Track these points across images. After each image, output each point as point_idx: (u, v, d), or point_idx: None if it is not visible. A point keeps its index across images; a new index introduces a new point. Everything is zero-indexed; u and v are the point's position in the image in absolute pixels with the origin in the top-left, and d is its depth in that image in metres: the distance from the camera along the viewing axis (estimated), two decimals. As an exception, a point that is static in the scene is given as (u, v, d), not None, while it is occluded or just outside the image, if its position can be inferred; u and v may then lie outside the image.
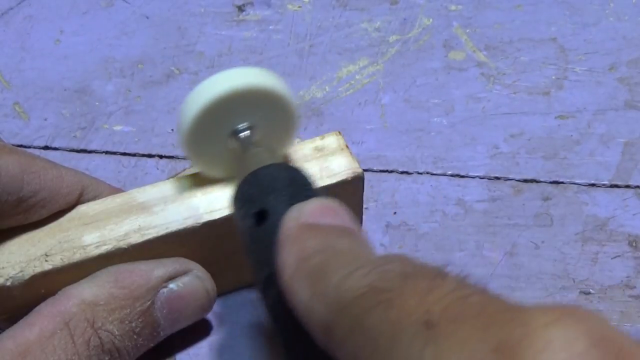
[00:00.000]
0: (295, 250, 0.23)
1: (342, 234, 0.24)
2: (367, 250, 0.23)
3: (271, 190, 0.27)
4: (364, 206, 0.36)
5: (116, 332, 0.29)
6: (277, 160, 0.29)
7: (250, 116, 0.30)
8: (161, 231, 0.31)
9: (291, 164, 0.29)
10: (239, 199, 0.28)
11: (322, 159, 0.33)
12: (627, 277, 0.36)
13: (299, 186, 0.27)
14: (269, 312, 0.26)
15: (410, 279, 0.19)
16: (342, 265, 0.21)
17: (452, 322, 0.17)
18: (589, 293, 0.36)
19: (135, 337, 0.29)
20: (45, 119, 0.44)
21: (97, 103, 0.45)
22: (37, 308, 0.29)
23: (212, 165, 0.32)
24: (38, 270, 0.29)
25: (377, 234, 0.38)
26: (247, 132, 0.30)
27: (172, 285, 0.31)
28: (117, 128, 0.44)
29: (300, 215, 0.24)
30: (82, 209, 0.32)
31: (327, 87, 0.45)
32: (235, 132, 0.30)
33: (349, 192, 0.33)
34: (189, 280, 0.31)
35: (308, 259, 0.22)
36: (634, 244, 0.37)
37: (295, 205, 0.25)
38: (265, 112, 0.30)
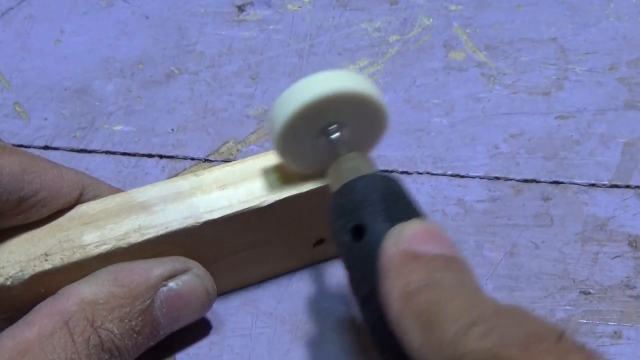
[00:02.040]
0: (400, 283, 0.23)
1: (447, 267, 0.23)
2: (473, 286, 0.23)
3: (368, 203, 0.27)
4: (364, 206, 0.36)
5: (116, 331, 0.29)
6: (370, 166, 0.29)
7: (342, 117, 0.30)
8: (161, 231, 0.31)
9: (386, 174, 0.29)
10: (335, 211, 0.28)
11: (323, 159, 0.33)
12: (627, 277, 0.36)
13: (396, 200, 0.27)
14: (370, 328, 0.26)
15: (532, 349, 0.19)
16: (455, 314, 0.21)
17: None
18: (589, 293, 0.36)
19: (135, 335, 0.29)
20: (45, 119, 0.44)
21: (97, 103, 0.45)
22: (37, 307, 0.29)
23: (302, 163, 0.32)
24: (38, 269, 0.29)
25: (377, 234, 0.38)
26: (337, 134, 0.30)
27: (171, 284, 0.31)
28: (117, 128, 0.44)
29: (402, 240, 0.24)
30: (82, 208, 0.32)
31: (327, 87, 0.45)
32: (327, 133, 0.30)
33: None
34: (189, 279, 0.31)
35: (414, 295, 0.22)
36: (634, 244, 0.37)
37: (395, 227, 0.25)
38: (357, 114, 0.30)
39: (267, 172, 0.33)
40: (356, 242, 0.26)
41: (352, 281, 0.27)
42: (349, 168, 0.29)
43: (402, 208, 0.27)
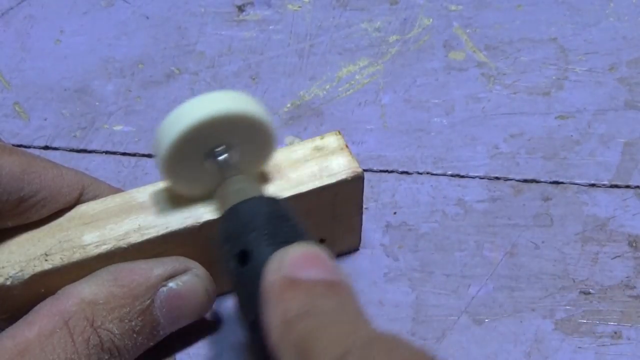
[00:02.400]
0: (279, 311, 0.23)
1: (326, 292, 0.23)
2: (353, 312, 0.23)
3: (252, 228, 0.26)
4: (364, 206, 0.36)
5: (116, 331, 0.29)
6: (256, 189, 0.29)
7: (228, 138, 0.30)
8: (161, 231, 0.31)
9: (271, 196, 0.29)
10: (221, 237, 0.28)
11: (322, 159, 0.33)
12: (627, 277, 0.36)
13: (280, 222, 0.27)
14: (257, 355, 0.26)
15: None
16: (329, 344, 0.21)
17: None
18: (589, 293, 0.36)
19: (134, 335, 0.29)
20: (45, 119, 0.44)
21: (97, 103, 0.45)
22: (37, 307, 0.29)
23: (189, 186, 0.31)
24: (38, 269, 0.29)
25: (377, 234, 0.38)
26: (224, 155, 0.30)
27: (171, 284, 0.31)
28: (117, 128, 0.44)
29: (282, 266, 0.24)
30: (82, 208, 0.32)
31: (327, 87, 0.45)
32: (213, 155, 0.30)
33: (348, 192, 0.33)
34: (189, 279, 0.31)
35: (292, 324, 0.22)
36: (634, 244, 0.37)
37: (277, 253, 0.25)
38: (244, 136, 0.30)
39: (266, 173, 0.33)
40: (242, 268, 0.26)
41: (240, 307, 0.27)
42: (234, 191, 0.29)
43: (287, 231, 0.27)
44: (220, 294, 0.34)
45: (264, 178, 0.33)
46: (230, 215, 0.28)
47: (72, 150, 0.43)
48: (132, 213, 0.31)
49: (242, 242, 0.26)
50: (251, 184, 0.29)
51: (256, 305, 0.24)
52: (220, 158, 0.30)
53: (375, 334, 0.22)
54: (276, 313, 0.23)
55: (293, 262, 0.24)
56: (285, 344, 0.22)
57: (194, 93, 0.45)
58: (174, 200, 0.32)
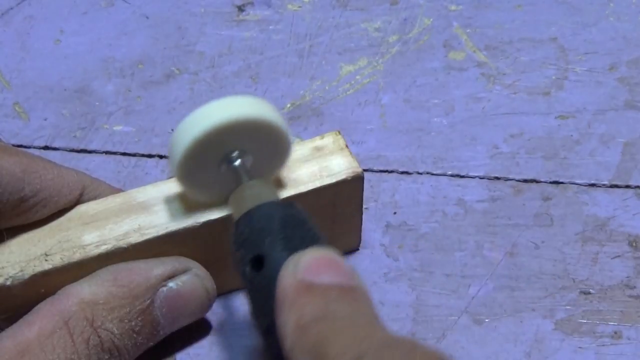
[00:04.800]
0: (294, 316, 0.23)
1: (341, 297, 0.23)
2: (367, 317, 0.23)
3: (267, 233, 0.26)
4: (364, 206, 0.36)
5: (116, 331, 0.29)
6: (271, 193, 0.29)
7: (243, 143, 0.30)
8: (161, 231, 0.31)
9: (286, 202, 0.28)
10: (235, 242, 0.27)
11: (322, 159, 0.33)
12: (627, 277, 0.36)
13: (295, 227, 0.27)
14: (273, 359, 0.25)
15: None
16: (343, 349, 0.21)
17: None
18: (589, 293, 0.36)
19: (134, 335, 0.29)
20: (45, 119, 0.44)
21: (97, 103, 0.45)
22: (37, 307, 0.29)
23: (204, 192, 0.31)
24: (38, 269, 0.29)
25: (377, 234, 0.38)
26: (239, 161, 0.30)
27: (171, 284, 0.31)
28: (117, 128, 0.44)
29: (297, 271, 0.24)
30: (82, 208, 0.32)
31: (327, 87, 0.45)
32: (229, 160, 0.30)
33: (348, 192, 0.33)
34: (189, 278, 0.31)
35: (306, 328, 0.22)
36: (634, 244, 0.37)
37: (291, 258, 0.24)
38: (260, 141, 0.30)
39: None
40: (256, 273, 0.26)
41: (254, 313, 0.26)
42: (249, 196, 0.28)
43: (302, 236, 0.26)
44: (220, 294, 0.34)
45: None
46: (244, 220, 0.27)
47: (72, 150, 0.43)
48: (132, 213, 0.31)
49: (256, 247, 0.26)
50: (266, 189, 0.29)
51: (270, 311, 0.24)
52: (236, 163, 0.30)
53: (391, 338, 0.21)
54: (291, 318, 0.23)
55: (308, 267, 0.24)
56: (300, 349, 0.22)
57: (194, 93, 0.45)
58: (174, 200, 0.32)
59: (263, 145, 0.30)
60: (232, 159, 0.30)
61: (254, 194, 0.28)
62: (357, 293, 0.24)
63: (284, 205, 0.28)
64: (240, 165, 0.30)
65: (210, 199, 0.31)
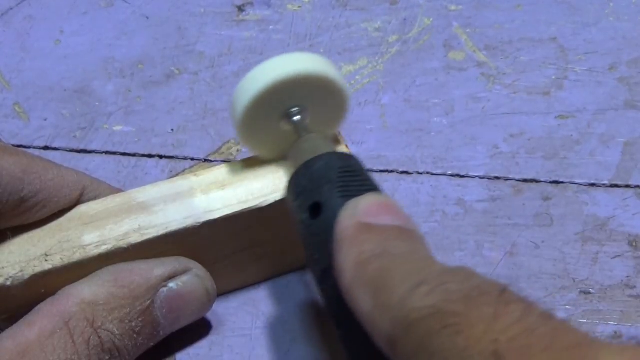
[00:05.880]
0: (353, 253, 0.23)
1: (399, 236, 0.24)
2: (425, 254, 0.24)
3: (325, 182, 0.27)
4: (364, 206, 0.36)
5: (116, 332, 0.29)
6: (329, 146, 0.29)
7: (303, 99, 0.30)
8: (161, 231, 0.31)
9: (344, 152, 0.29)
10: (293, 191, 0.28)
11: (322, 159, 0.33)
12: (627, 277, 0.36)
13: (352, 176, 0.27)
14: (327, 306, 0.26)
15: (474, 302, 0.20)
16: (404, 277, 0.21)
17: (520, 356, 0.17)
18: (589, 293, 0.36)
19: (135, 336, 0.29)
20: (45, 119, 0.44)
21: (97, 103, 0.45)
22: (37, 308, 0.29)
23: (265, 147, 0.32)
24: (38, 270, 0.29)
25: (377, 234, 0.38)
26: (299, 116, 0.31)
27: (171, 285, 0.31)
28: (117, 128, 0.44)
29: (356, 212, 0.24)
30: (82, 209, 0.32)
31: (327, 87, 0.45)
32: (288, 116, 0.31)
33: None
34: (189, 279, 0.31)
35: (367, 263, 0.23)
36: (634, 244, 0.37)
37: (350, 202, 0.25)
38: (318, 96, 0.31)
39: (267, 172, 0.33)
40: (313, 220, 0.26)
41: (309, 259, 0.27)
42: (308, 148, 0.29)
43: (359, 184, 0.27)
44: (221, 294, 0.34)
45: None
46: (304, 170, 0.28)
47: (72, 150, 0.43)
48: (132, 213, 0.31)
49: (315, 194, 0.27)
50: (324, 142, 0.30)
51: (327, 256, 0.25)
52: (295, 119, 0.31)
53: (449, 267, 0.22)
54: (350, 255, 0.23)
55: (367, 209, 0.24)
56: (359, 283, 0.22)
57: (194, 93, 0.45)
58: (174, 200, 0.32)
59: (322, 101, 0.31)
60: (291, 114, 0.31)
61: (312, 146, 0.29)
62: (414, 234, 0.24)
63: (342, 156, 0.28)
64: (299, 120, 0.31)
65: (270, 155, 0.32)
